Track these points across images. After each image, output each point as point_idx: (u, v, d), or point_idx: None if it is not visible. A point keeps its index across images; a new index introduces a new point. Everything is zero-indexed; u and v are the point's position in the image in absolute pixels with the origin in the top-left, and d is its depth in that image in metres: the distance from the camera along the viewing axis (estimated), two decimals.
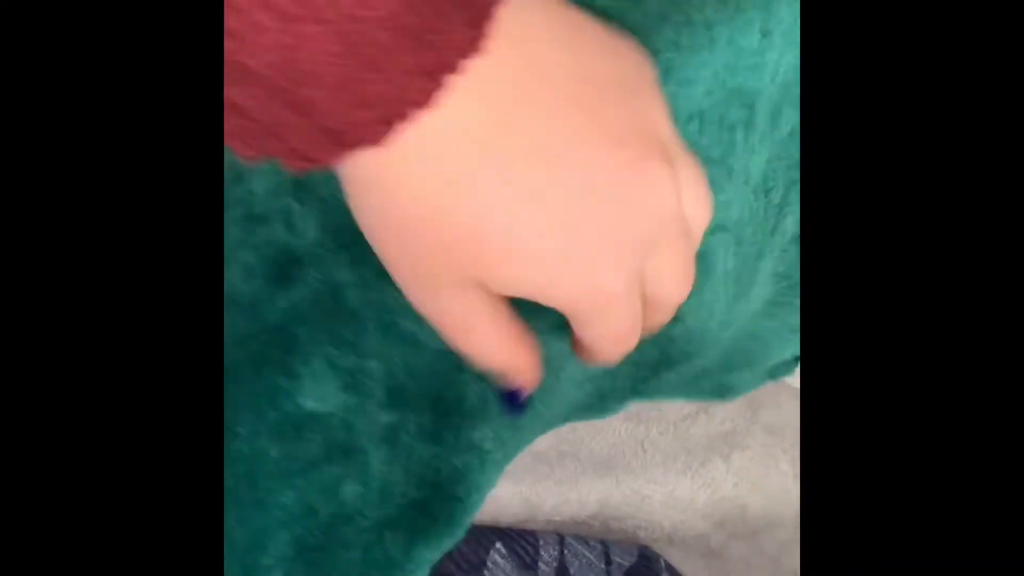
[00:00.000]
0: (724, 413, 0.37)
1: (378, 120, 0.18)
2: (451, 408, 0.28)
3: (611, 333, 0.24)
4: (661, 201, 0.21)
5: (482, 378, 0.28)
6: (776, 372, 0.36)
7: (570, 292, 0.22)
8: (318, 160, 0.19)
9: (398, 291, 0.27)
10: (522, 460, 0.35)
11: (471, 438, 0.28)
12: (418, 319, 0.26)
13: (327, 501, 0.28)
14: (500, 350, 0.24)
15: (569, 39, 0.21)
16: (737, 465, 0.36)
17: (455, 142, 0.19)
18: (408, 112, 0.18)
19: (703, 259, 0.28)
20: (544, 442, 0.35)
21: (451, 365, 0.28)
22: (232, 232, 0.30)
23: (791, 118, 0.31)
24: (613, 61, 0.22)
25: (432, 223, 0.21)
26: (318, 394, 0.26)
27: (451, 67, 0.18)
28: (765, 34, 0.29)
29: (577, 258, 0.21)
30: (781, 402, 0.37)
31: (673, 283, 0.24)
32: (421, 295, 0.23)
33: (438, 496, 0.30)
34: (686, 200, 0.23)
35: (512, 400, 0.26)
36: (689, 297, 0.28)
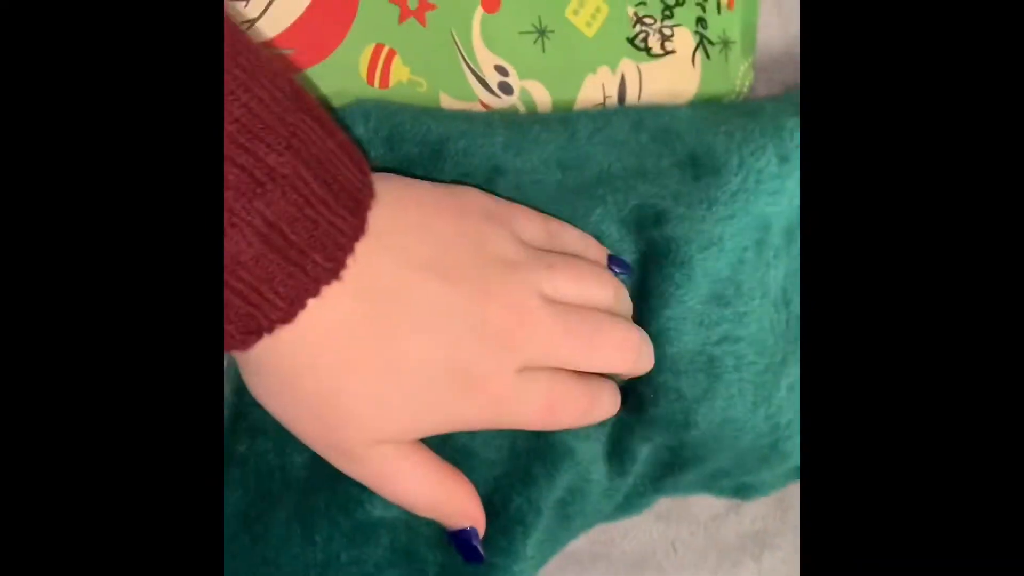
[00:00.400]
0: (755, 513, 0.37)
1: (285, 303, 0.23)
2: (498, 512, 0.29)
3: (530, 418, 0.27)
4: (507, 314, 0.26)
5: (525, 483, 0.30)
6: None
7: (467, 414, 0.26)
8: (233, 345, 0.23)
9: None
10: (555, 562, 0.36)
11: (522, 545, 0.29)
12: (471, 433, 0.28)
13: None
14: (429, 491, 0.27)
15: (429, 225, 0.26)
16: (768, 566, 0.37)
17: (345, 331, 0.24)
18: (297, 307, 0.23)
19: (710, 367, 0.30)
20: (576, 544, 0.36)
21: (501, 472, 0.30)
22: None
23: None
24: (458, 222, 0.27)
25: (333, 398, 0.25)
26: (385, 501, 0.28)
27: (314, 291, 0.23)
28: (783, 160, 0.31)
29: (459, 385, 0.26)
30: None
31: (587, 354, 0.28)
32: (341, 461, 0.26)
33: None
34: (566, 290, 0.28)
35: (463, 544, 0.28)
36: (700, 404, 0.29)
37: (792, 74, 0.38)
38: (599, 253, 0.31)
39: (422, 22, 0.32)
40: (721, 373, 0.30)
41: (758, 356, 0.31)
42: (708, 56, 0.37)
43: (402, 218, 0.25)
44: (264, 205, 0.21)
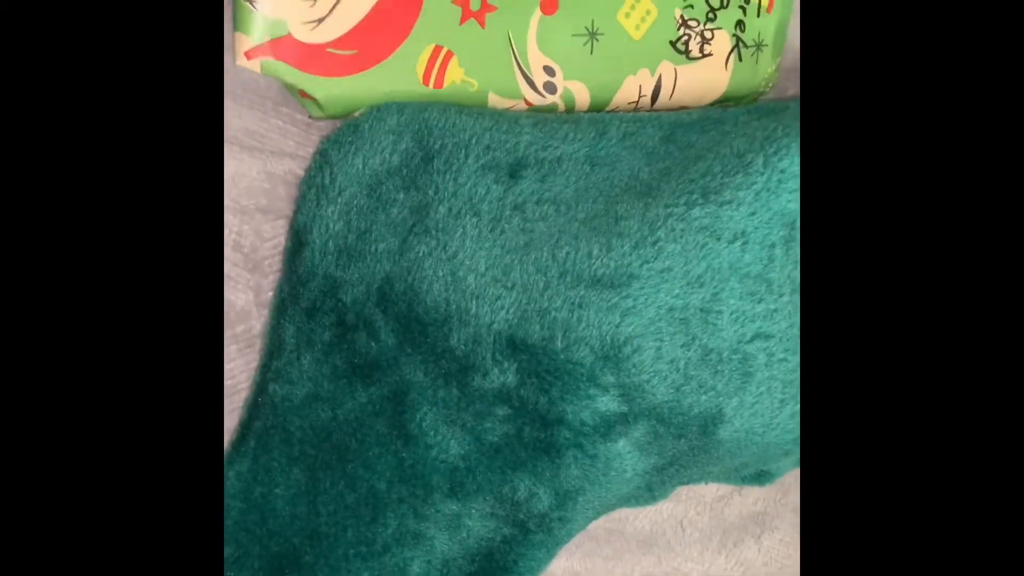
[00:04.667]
0: (756, 495, 0.40)
1: None
2: (506, 498, 0.32)
3: None
4: None
5: (537, 475, 0.32)
6: None
7: None
8: None
9: (460, 389, 0.30)
10: (573, 538, 0.38)
11: (519, 518, 0.32)
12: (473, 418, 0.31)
13: None
14: None
15: None
16: (767, 545, 0.40)
17: None
18: None
19: (743, 365, 0.31)
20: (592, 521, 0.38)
21: (506, 462, 0.32)
22: (325, 336, 0.33)
23: None
24: None
25: None
26: None
27: None
28: None
29: None
30: None
31: None
32: None
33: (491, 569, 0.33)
34: None
35: None
36: (732, 399, 0.31)
37: None
38: None
39: (482, 24, 0.31)
40: (754, 371, 0.31)
41: (788, 353, 0.32)
42: (740, 59, 0.37)
43: None
44: None
